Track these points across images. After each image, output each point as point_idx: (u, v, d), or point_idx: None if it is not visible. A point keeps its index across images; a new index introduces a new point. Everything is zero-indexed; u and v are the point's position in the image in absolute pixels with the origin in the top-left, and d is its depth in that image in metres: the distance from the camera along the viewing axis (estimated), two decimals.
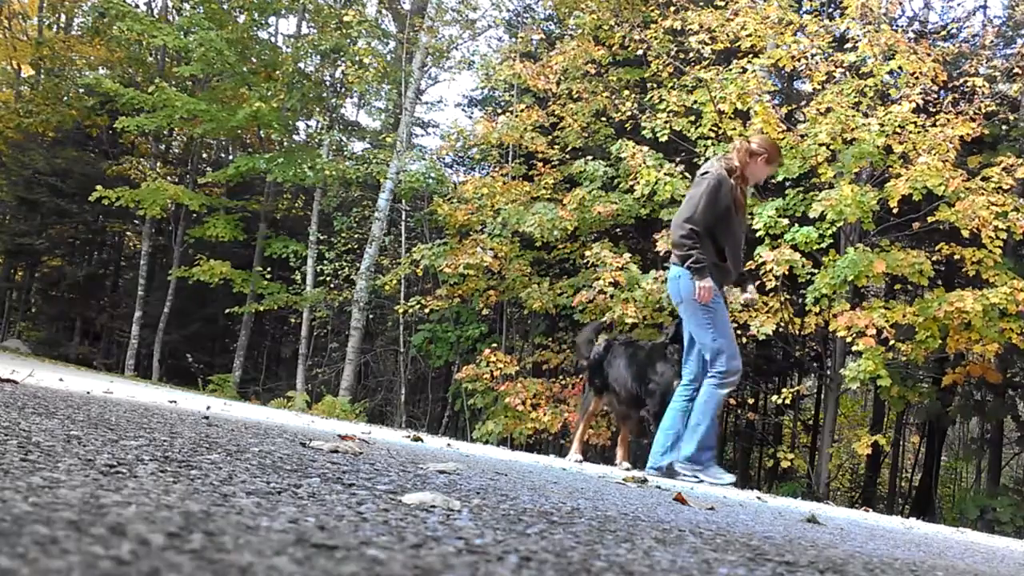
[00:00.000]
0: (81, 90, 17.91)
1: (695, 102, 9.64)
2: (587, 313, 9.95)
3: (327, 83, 15.94)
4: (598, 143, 11.65)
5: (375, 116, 16.87)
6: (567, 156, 11.74)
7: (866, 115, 8.43)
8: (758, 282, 8.81)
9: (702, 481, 4.23)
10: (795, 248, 8.45)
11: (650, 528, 1.47)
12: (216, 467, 1.35)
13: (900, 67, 8.71)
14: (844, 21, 9.13)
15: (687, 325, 4.53)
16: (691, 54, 10.14)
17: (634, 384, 4.96)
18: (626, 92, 11.24)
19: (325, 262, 14.44)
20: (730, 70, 9.33)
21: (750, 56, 9.36)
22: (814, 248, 8.47)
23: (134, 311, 16.34)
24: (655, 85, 10.63)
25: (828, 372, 9.71)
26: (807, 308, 8.86)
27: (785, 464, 9.65)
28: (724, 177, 4.40)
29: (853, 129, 8.31)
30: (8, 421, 1.54)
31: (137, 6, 16.84)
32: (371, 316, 14.51)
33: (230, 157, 18.14)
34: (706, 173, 4.46)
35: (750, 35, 9.29)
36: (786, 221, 8.69)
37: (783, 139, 8.74)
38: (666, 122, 9.81)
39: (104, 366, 17.23)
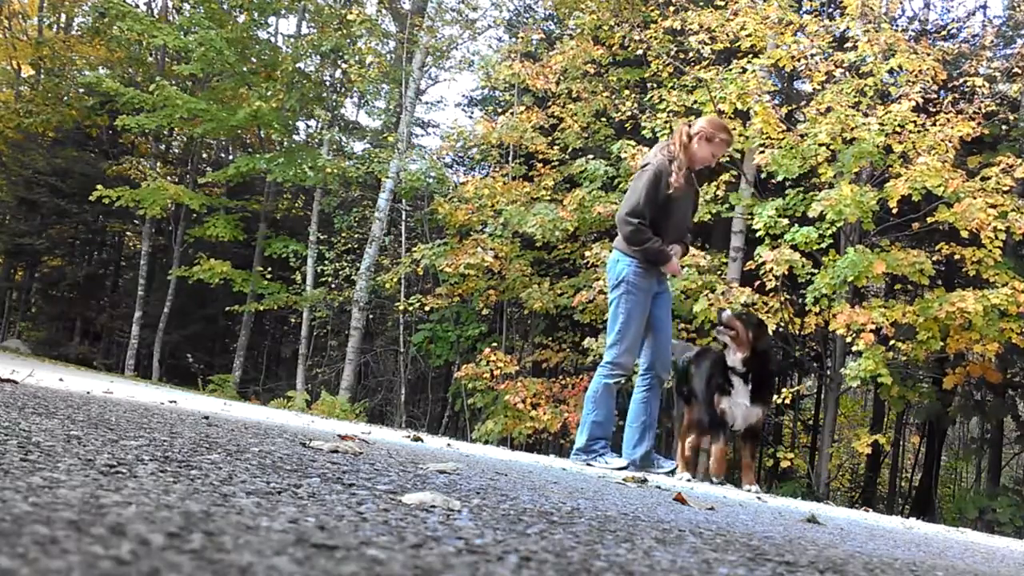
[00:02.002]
0: (81, 90, 17.91)
1: (695, 102, 9.64)
2: (587, 313, 9.95)
3: (327, 83, 15.94)
4: (598, 143, 11.65)
5: (375, 116, 16.89)
6: (567, 156, 11.74)
7: (866, 115, 8.43)
8: (757, 282, 8.82)
9: (592, 466, 4.35)
10: (795, 248, 8.45)
11: (650, 528, 1.47)
12: (216, 467, 1.35)
13: (900, 66, 8.71)
14: (844, 21, 9.14)
15: (610, 308, 4.57)
16: (691, 54, 10.14)
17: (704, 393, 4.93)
18: (626, 92, 11.24)
19: (325, 262, 14.44)
20: (730, 70, 9.33)
21: (750, 56, 9.36)
22: (814, 248, 8.47)
23: (134, 311, 16.34)
24: (655, 85, 10.63)
25: (828, 372, 9.71)
26: (807, 308, 8.86)
27: (785, 464, 9.66)
28: (664, 167, 4.41)
29: (853, 129, 8.31)
30: (8, 421, 1.54)
31: (137, 6, 16.84)
32: (371, 316, 14.51)
33: (230, 157, 18.14)
34: (646, 165, 4.48)
35: (750, 35, 9.29)
36: (786, 221, 8.69)
37: (783, 139, 8.74)
38: (666, 122, 9.81)
39: (104, 366, 17.23)
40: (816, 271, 8.48)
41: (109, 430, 1.70)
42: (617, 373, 4.51)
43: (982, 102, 8.79)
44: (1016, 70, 9.61)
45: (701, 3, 10.35)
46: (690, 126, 4.57)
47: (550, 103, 12.01)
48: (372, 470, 1.73)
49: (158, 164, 18.21)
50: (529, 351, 12.55)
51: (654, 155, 4.52)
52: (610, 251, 10.41)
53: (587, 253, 10.08)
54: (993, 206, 8.05)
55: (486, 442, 10.03)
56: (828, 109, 8.59)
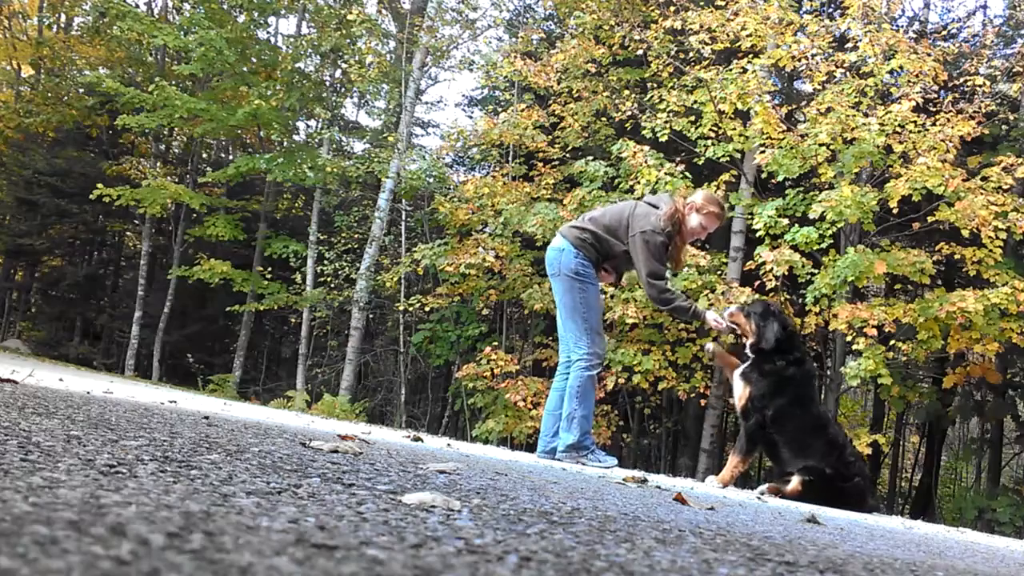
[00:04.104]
0: (81, 90, 17.90)
1: (695, 102, 9.64)
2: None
3: (327, 83, 15.95)
4: (598, 143, 11.65)
5: (375, 116, 16.90)
6: (567, 156, 11.74)
7: (866, 115, 8.43)
8: (757, 282, 8.82)
9: (585, 466, 4.29)
10: (795, 248, 8.45)
11: (650, 528, 1.47)
12: (216, 467, 1.35)
13: (901, 67, 8.71)
14: (845, 21, 9.14)
15: (558, 300, 4.65)
16: (691, 54, 10.14)
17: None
18: (626, 92, 11.24)
19: (325, 262, 14.45)
20: (730, 70, 9.33)
21: (750, 56, 9.36)
22: (814, 248, 8.47)
23: (134, 311, 16.34)
24: (655, 85, 10.63)
25: (828, 372, 9.71)
26: (807, 308, 8.86)
27: None
28: (671, 236, 4.50)
29: (853, 129, 8.31)
30: (8, 421, 1.54)
31: (137, 6, 16.84)
32: (371, 316, 14.51)
33: (230, 157, 18.14)
34: (653, 229, 4.46)
35: (750, 35, 9.29)
36: (786, 221, 8.69)
37: (783, 139, 8.74)
38: (666, 122, 9.81)
39: (104, 366, 17.23)
40: (816, 271, 8.48)
41: (109, 430, 1.70)
42: (596, 363, 4.56)
43: (982, 102, 8.79)
44: (1016, 70, 9.61)
45: (701, 3, 10.35)
46: (685, 199, 4.65)
47: (551, 102, 12.02)
48: (372, 470, 1.72)
49: (158, 164, 18.20)
50: (529, 351, 12.55)
51: (657, 219, 4.50)
52: None
53: None
54: (994, 204, 8.05)
55: (486, 441, 10.03)
56: (828, 109, 8.58)
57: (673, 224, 4.50)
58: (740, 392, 4.49)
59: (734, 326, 4.64)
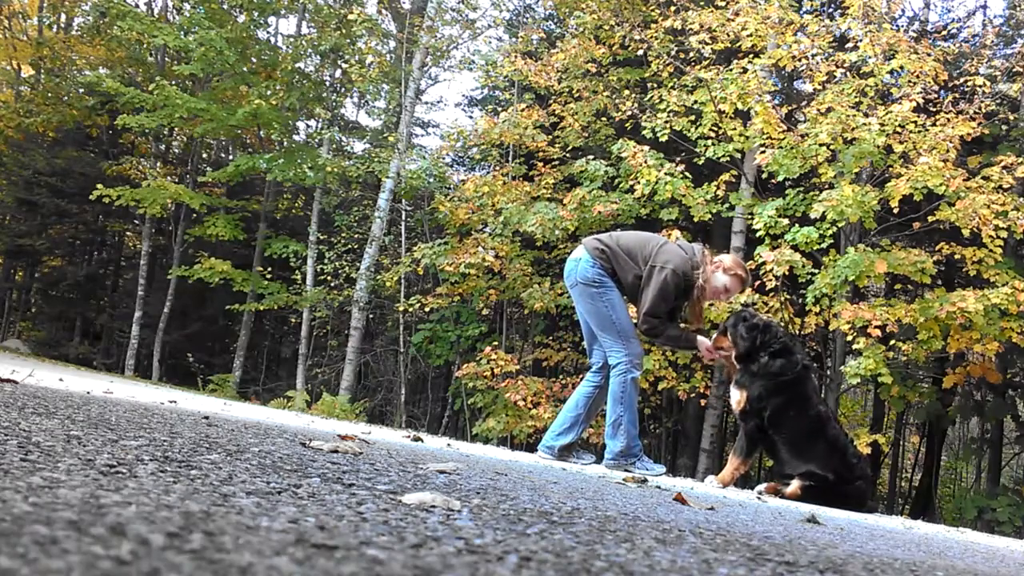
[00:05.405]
0: (81, 90, 17.90)
1: (695, 102, 9.64)
2: None
3: (327, 83, 15.95)
4: (598, 143, 11.65)
5: (375, 116, 16.90)
6: (567, 156, 11.74)
7: (866, 115, 8.43)
8: (758, 282, 8.82)
9: (633, 474, 4.25)
10: (795, 248, 8.45)
11: (650, 528, 1.47)
12: (216, 467, 1.35)
13: (901, 67, 8.71)
14: (845, 21, 9.14)
15: (582, 310, 4.61)
16: (691, 54, 10.14)
17: None
18: (626, 92, 11.24)
19: (325, 262, 14.45)
20: (730, 70, 9.33)
21: (751, 56, 9.36)
22: (814, 248, 8.47)
23: (134, 311, 16.34)
24: (655, 85, 10.63)
25: (828, 372, 9.71)
26: (807, 308, 8.86)
27: None
28: (688, 283, 4.41)
29: (854, 129, 8.31)
30: (8, 421, 1.54)
31: (137, 6, 16.84)
32: (371, 316, 14.51)
33: (230, 157, 18.14)
34: (674, 270, 4.38)
35: (751, 35, 9.29)
36: (786, 221, 8.69)
37: (783, 139, 8.74)
38: (666, 122, 9.81)
39: (104, 366, 17.23)
40: (816, 271, 8.48)
41: (109, 430, 1.70)
42: (638, 364, 4.50)
43: (982, 102, 8.78)
44: (1016, 70, 9.61)
45: (702, 3, 10.35)
46: (714, 254, 4.58)
47: (551, 102, 12.02)
48: (372, 470, 1.72)
49: (158, 164, 18.21)
50: (529, 351, 12.55)
51: (683, 261, 4.41)
52: None
53: None
54: (994, 204, 8.04)
55: (487, 440, 10.04)
56: (829, 109, 8.58)
57: (697, 268, 4.40)
58: (737, 398, 4.48)
59: (721, 349, 4.60)
